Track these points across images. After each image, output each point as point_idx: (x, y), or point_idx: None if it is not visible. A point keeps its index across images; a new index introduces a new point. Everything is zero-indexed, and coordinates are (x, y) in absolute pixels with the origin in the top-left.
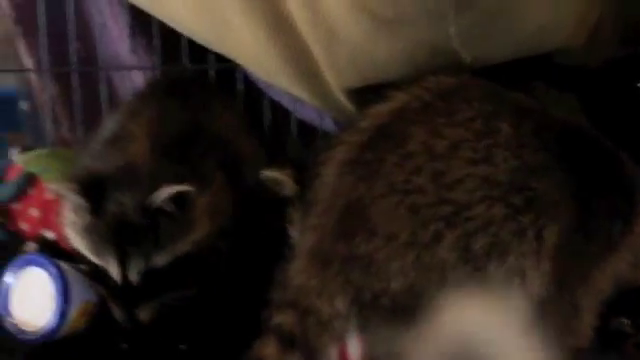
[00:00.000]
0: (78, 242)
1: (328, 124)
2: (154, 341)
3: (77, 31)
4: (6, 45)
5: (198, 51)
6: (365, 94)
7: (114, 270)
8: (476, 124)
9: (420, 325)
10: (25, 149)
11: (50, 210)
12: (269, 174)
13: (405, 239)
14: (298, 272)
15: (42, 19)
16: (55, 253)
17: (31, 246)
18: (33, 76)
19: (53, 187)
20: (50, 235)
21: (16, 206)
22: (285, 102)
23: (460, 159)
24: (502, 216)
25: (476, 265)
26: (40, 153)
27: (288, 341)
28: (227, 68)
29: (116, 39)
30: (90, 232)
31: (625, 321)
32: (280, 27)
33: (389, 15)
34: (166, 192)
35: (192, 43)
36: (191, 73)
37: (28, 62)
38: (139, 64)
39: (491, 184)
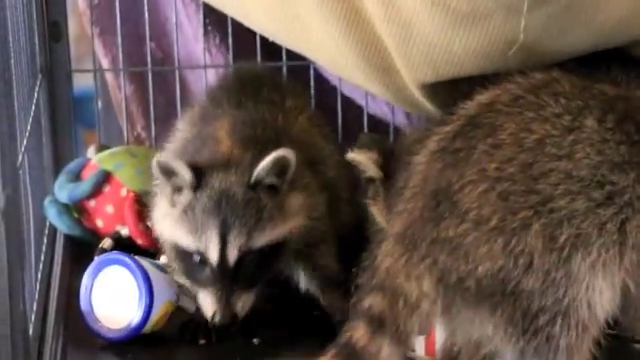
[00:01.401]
0: (175, 229)
1: (400, 119)
2: (235, 334)
3: (152, 31)
4: (81, 44)
5: (271, 48)
6: (440, 89)
7: (214, 248)
8: (563, 120)
9: (503, 309)
10: (100, 147)
11: (125, 207)
12: (355, 156)
13: (495, 224)
14: (386, 255)
15: (118, 19)
16: (131, 249)
17: (107, 242)
18: (109, 75)
19: (157, 160)
20: (125, 232)
21: (92, 203)
22: (357, 98)
23: (546, 154)
24: (584, 209)
25: (561, 255)
26: (115, 151)
27: (378, 324)
28: (300, 65)
29: (190, 38)
30: (192, 210)
31: None
32: (354, 22)
33: (464, 9)
34: (267, 161)
35: (265, 41)
36: (264, 71)
37: (104, 61)
38: (212, 63)
39: (573, 179)
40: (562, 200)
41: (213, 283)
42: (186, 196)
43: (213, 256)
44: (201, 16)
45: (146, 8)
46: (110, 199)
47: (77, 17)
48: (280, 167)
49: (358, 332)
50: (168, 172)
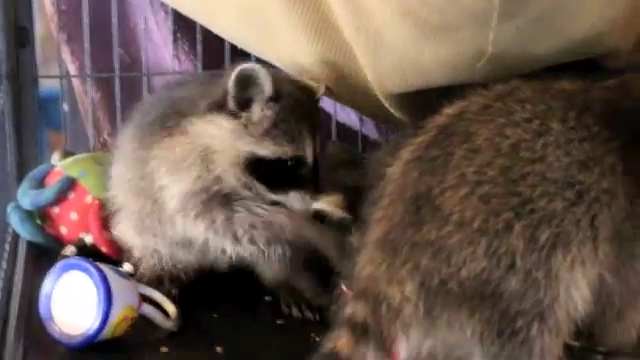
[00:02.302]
0: (260, 142)
1: (369, 128)
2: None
3: (120, 37)
4: (48, 46)
5: (239, 56)
6: (408, 99)
7: (309, 147)
8: (532, 125)
9: (482, 312)
10: (65, 153)
11: (89, 214)
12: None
13: (478, 226)
14: (367, 262)
15: (86, 25)
16: (94, 256)
17: (70, 249)
18: (75, 81)
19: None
20: (89, 239)
21: (56, 210)
22: (326, 106)
23: (521, 158)
24: (561, 209)
25: (541, 254)
26: (80, 157)
27: (361, 331)
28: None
29: (159, 45)
30: (282, 120)
31: None
32: (323, 31)
33: (434, 21)
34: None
35: (234, 48)
36: None
37: (71, 67)
38: (181, 69)
39: (548, 181)
40: (541, 201)
41: (305, 185)
42: (267, 108)
43: (309, 155)
44: (170, 23)
45: (114, 14)
46: (74, 206)
47: (44, 18)
48: None
49: (341, 341)
50: (245, 83)
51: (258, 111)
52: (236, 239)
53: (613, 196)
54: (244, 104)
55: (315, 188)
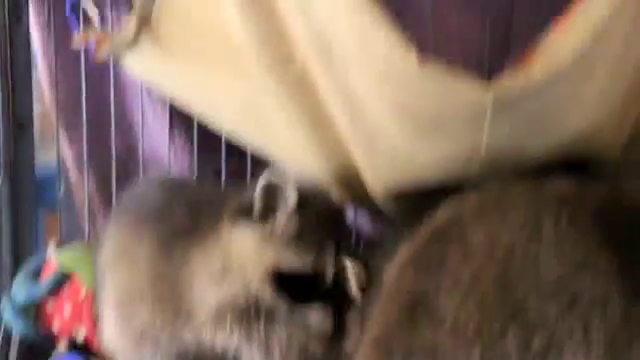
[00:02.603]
0: (282, 253)
1: (363, 222)
2: None
3: (117, 128)
4: (45, 124)
5: (235, 149)
6: (402, 196)
7: (330, 264)
8: (526, 229)
9: None
10: (61, 244)
11: (83, 307)
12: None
13: (472, 331)
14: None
15: (83, 116)
16: (87, 353)
17: (62, 345)
18: (72, 172)
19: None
20: (82, 333)
21: (50, 303)
22: None
23: (516, 262)
24: (554, 315)
25: None
26: (75, 249)
27: None
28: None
29: (155, 137)
30: (302, 231)
31: None
32: (319, 126)
33: (428, 120)
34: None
35: (230, 142)
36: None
37: (68, 155)
38: (177, 162)
39: (542, 285)
40: (534, 306)
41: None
42: (290, 220)
43: (329, 272)
44: (167, 115)
45: (112, 105)
46: (68, 299)
47: (41, 95)
48: None
49: None
50: (271, 192)
51: (283, 220)
52: (269, 353)
53: (607, 300)
54: (269, 213)
55: (335, 305)
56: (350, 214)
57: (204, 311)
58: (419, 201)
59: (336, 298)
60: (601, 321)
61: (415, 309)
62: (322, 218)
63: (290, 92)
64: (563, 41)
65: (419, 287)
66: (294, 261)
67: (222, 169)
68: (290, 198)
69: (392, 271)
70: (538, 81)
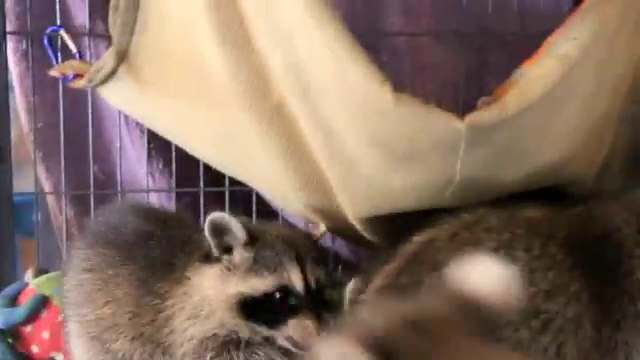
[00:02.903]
0: (243, 284)
1: (340, 247)
2: None
3: (95, 154)
4: (21, 149)
5: (214, 174)
6: (379, 223)
7: (296, 275)
8: (499, 254)
9: None
10: (38, 271)
11: (61, 333)
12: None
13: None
14: None
15: (61, 142)
16: None
17: None
18: (50, 197)
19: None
20: (60, 358)
21: (28, 328)
22: (299, 223)
23: None
24: (527, 339)
25: None
26: (53, 275)
27: None
28: (242, 190)
29: (133, 162)
30: (260, 258)
31: None
32: (297, 157)
33: (403, 149)
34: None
35: (208, 166)
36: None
37: (45, 183)
38: (155, 187)
39: (514, 311)
40: (507, 331)
41: (304, 308)
42: (243, 253)
43: (298, 284)
44: (145, 141)
45: (90, 132)
46: (46, 325)
47: (17, 122)
48: None
49: None
50: (219, 231)
51: (238, 254)
52: None
53: (579, 324)
54: (226, 249)
55: (316, 314)
56: (327, 239)
57: (185, 344)
58: (395, 227)
59: (316, 306)
60: (574, 342)
61: None
62: (277, 241)
63: (267, 125)
64: (536, 75)
65: None
66: (256, 286)
67: (201, 195)
68: (238, 234)
69: (368, 295)
70: (511, 113)
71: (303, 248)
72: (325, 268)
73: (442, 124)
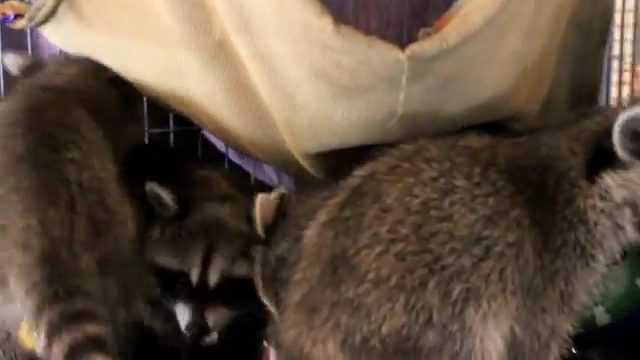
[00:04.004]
0: (160, 252)
1: (287, 184)
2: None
3: None
4: None
5: (160, 114)
6: (324, 160)
7: (196, 269)
8: (439, 183)
9: None
10: None
11: None
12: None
13: (395, 283)
14: (289, 326)
15: (1, 86)
16: None
17: None
18: None
19: (148, 186)
20: None
21: None
22: (244, 164)
23: (431, 216)
24: (469, 265)
25: (455, 309)
26: None
27: None
28: (188, 131)
29: None
30: (178, 234)
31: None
32: (240, 92)
33: (346, 81)
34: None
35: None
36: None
37: None
38: None
39: (456, 238)
40: (450, 258)
41: (190, 298)
42: (172, 224)
43: (194, 276)
44: None
45: None
46: None
47: None
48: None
49: None
50: (157, 201)
51: (165, 224)
52: None
53: (520, 249)
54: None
55: (198, 307)
56: (271, 174)
57: None
58: (340, 162)
59: (201, 299)
60: (516, 268)
61: (337, 267)
62: (201, 225)
63: (210, 61)
64: (475, 5)
65: (339, 245)
66: (164, 261)
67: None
68: (169, 206)
69: (312, 233)
70: (452, 43)
71: (223, 234)
72: (238, 262)
73: (384, 56)
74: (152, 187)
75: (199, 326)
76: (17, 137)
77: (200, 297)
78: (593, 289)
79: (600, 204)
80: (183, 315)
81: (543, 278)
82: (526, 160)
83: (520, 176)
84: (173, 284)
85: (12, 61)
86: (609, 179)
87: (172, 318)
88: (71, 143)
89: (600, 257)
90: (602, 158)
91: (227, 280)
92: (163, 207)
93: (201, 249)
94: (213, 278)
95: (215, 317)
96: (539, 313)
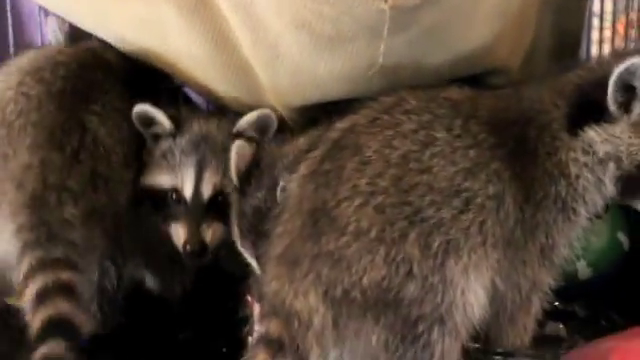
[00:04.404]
0: (152, 173)
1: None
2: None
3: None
4: None
5: None
6: (307, 113)
7: (189, 183)
8: (419, 135)
9: (385, 318)
10: None
11: None
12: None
13: (375, 235)
14: (272, 279)
15: None
16: None
17: None
18: None
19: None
20: None
21: None
22: None
23: (411, 168)
24: (449, 217)
25: (436, 261)
26: None
27: (277, 347)
28: (168, 88)
29: None
30: (171, 153)
31: (561, 326)
32: (221, 47)
33: (328, 32)
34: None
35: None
36: None
37: None
38: None
39: (435, 191)
40: (430, 210)
41: (185, 215)
42: (165, 142)
43: (188, 190)
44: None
45: (11, 33)
46: None
47: None
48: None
49: (258, 358)
50: (147, 121)
51: (162, 144)
52: None
53: (500, 202)
54: (156, 138)
55: (194, 222)
56: None
57: None
58: (322, 117)
59: (196, 214)
60: (496, 221)
61: (317, 219)
62: (193, 142)
63: (190, 14)
64: None
65: (319, 198)
66: (156, 180)
67: None
68: (164, 124)
69: (293, 185)
70: None
71: (212, 149)
72: (227, 177)
73: (365, 5)
74: (145, 109)
75: (197, 243)
76: (59, 77)
77: (195, 212)
78: (574, 242)
79: (583, 158)
80: (179, 234)
81: (524, 231)
82: (508, 112)
83: (501, 128)
84: (167, 205)
85: (58, 25)
86: (593, 133)
87: (165, 269)
88: (100, 100)
89: (582, 210)
90: (585, 111)
91: (219, 194)
92: (157, 127)
93: (193, 164)
94: (206, 191)
95: (211, 232)
96: (520, 266)
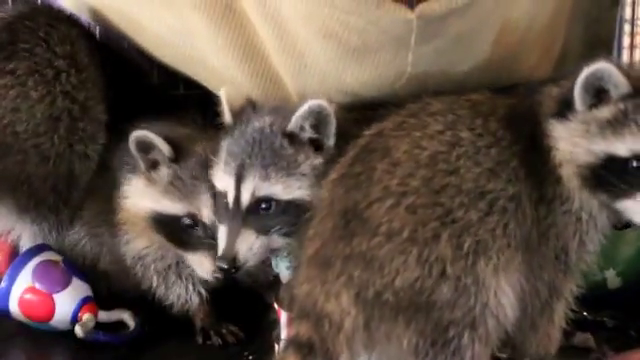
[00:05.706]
0: (159, 201)
1: None
2: None
3: None
4: None
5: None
6: None
7: (206, 206)
8: (446, 136)
9: (417, 322)
10: None
11: None
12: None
13: (407, 236)
14: (303, 281)
15: None
16: None
17: None
18: None
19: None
20: None
21: None
22: None
23: (440, 169)
24: (476, 219)
25: (467, 261)
26: None
27: (308, 349)
28: (197, 94)
29: None
30: (179, 178)
31: (589, 336)
32: (250, 54)
33: (355, 42)
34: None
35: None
36: None
37: None
38: None
39: (463, 192)
40: (460, 212)
41: (202, 245)
42: (167, 169)
43: (206, 215)
44: None
45: None
46: None
47: None
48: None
49: None
50: (145, 147)
51: (162, 170)
52: None
53: (518, 203)
54: (154, 164)
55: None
56: None
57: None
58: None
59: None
60: (516, 223)
61: (349, 221)
62: (199, 166)
63: (219, 22)
64: None
65: (350, 200)
66: (168, 207)
67: None
68: (163, 150)
69: (324, 189)
70: (462, 2)
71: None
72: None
73: (392, 15)
74: (145, 134)
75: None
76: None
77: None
78: (591, 248)
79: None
80: (203, 263)
81: (538, 233)
82: (519, 108)
83: (516, 124)
84: (182, 231)
85: None
86: (560, 129)
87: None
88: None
89: (583, 215)
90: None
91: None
92: (156, 150)
93: (209, 187)
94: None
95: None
96: (537, 269)
